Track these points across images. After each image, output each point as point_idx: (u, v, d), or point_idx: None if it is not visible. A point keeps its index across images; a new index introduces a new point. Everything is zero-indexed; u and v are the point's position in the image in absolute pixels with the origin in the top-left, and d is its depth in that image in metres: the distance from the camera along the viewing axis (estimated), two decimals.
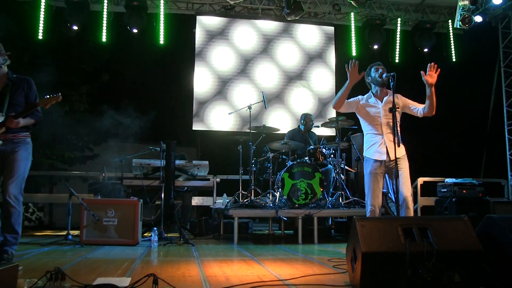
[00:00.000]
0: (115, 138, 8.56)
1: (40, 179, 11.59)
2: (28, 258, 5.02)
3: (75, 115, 11.95)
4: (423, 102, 5.02)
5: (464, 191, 8.16)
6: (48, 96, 4.59)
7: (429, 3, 11.37)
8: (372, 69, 5.20)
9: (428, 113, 4.99)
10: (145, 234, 6.99)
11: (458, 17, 10.26)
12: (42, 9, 9.89)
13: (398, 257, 3.15)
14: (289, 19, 9.75)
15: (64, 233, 6.67)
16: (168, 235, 7.00)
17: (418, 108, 5.08)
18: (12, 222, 4.51)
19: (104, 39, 10.23)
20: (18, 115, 4.52)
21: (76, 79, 12.51)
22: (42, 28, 9.90)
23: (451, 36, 11.46)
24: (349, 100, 5.22)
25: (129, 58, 11.20)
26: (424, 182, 9.50)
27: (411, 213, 4.82)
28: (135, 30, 10.25)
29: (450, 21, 11.31)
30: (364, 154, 5.24)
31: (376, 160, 5.01)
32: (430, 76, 4.78)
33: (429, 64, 4.78)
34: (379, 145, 5.04)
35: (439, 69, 4.77)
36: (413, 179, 9.19)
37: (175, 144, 7.64)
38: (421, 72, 4.80)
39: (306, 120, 8.53)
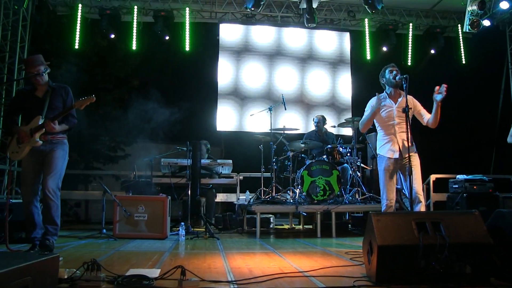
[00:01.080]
0: (145, 139, 8.63)
1: (76, 177, 11.75)
2: (67, 250, 5.09)
3: (108, 118, 12.10)
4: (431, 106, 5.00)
5: (474, 187, 8.06)
6: (82, 98, 4.70)
7: (439, 9, 11.23)
8: (387, 71, 5.18)
9: (431, 124, 5.03)
10: (173, 229, 7.03)
11: (467, 21, 10.12)
12: (79, 22, 10.05)
13: (412, 250, 3.12)
14: (307, 25, 9.70)
15: (99, 227, 6.75)
16: (195, 229, 7.03)
17: (424, 116, 5.11)
18: (52, 214, 4.67)
19: (134, 47, 10.34)
20: (55, 117, 4.64)
21: (109, 85, 12.67)
22: (78, 39, 10.05)
23: (461, 40, 11.30)
24: (371, 116, 5.26)
25: (157, 65, 11.31)
26: (437, 178, 9.37)
27: (423, 208, 4.79)
28: (167, 37, 10.34)
29: (459, 25, 11.14)
30: (377, 152, 5.22)
31: (389, 158, 5.00)
32: (439, 93, 4.81)
33: (443, 85, 4.77)
34: (392, 143, 5.03)
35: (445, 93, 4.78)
36: (426, 176, 9.12)
37: (200, 144, 7.67)
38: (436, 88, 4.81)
39: (318, 119, 8.52)
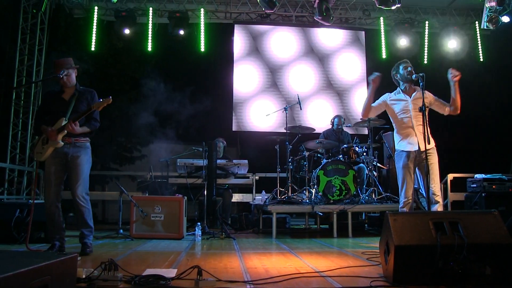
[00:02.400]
0: (161, 139, 8.68)
1: (93, 178, 11.86)
2: None
3: (124, 119, 12.20)
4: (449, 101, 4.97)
5: (493, 186, 7.93)
6: (100, 100, 4.79)
7: (455, 6, 11.11)
8: (401, 67, 5.16)
9: (453, 111, 5.01)
10: (190, 229, 7.06)
11: (485, 18, 9.99)
12: (95, 24, 10.14)
13: (430, 250, 3.09)
14: (320, 24, 9.65)
15: (116, 227, 6.80)
16: (211, 229, 7.05)
17: (445, 105, 5.05)
18: (85, 218, 4.85)
19: (149, 48, 10.39)
20: (76, 117, 4.71)
21: (125, 86, 12.78)
22: (94, 41, 10.14)
23: (478, 37, 11.15)
24: (375, 104, 5.25)
25: (172, 65, 11.35)
26: (454, 177, 9.25)
27: (440, 208, 4.76)
28: (181, 32, 10.30)
29: (477, 22, 11.01)
30: (396, 148, 5.19)
31: (408, 152, 4.97)
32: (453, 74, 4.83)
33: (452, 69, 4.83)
34: (410, 136, 5.00)
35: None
36: (444, 175, 9.02)
37: (216, 144, 7.68)
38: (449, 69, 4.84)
39: (337, 121, 8.50)
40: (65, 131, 4.70)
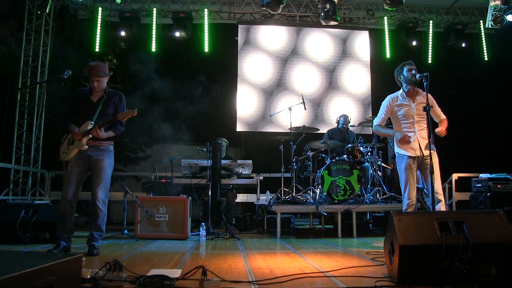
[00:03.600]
0: (166, 140, 8.69)
1: None
2: None
3: (128, 119, 12.21)
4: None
5: (498, 186, 7.91)
6: (126, 110, 4.87)
7: (460, 5, 11.08)
8: (405, 68, 5.15)
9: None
10: (194, 229, 7.06)
11: (490, 17, 9.93)
12: (99, 25, 10.16)
13: (435, 250, 3.08)
14: (324, 24, 9.64)
15: (121, 228, 6.82)
16: (215, 230, 7.05)
17: (440, 116, 5.21)
18: (99, 222, 4.88)
19: (153, 49, 10.42)
20: (102, 124, 4.79)
21: (129, 86, 12.78)
22: (98, 41, 10.17)
23: (483, 36, 11.11)
24: (383, 121, 5.30)
25: (177, 66, 11.35)
26: (459, 177, 9.22)
27: (443, 207, 4.77)
28: (185, 32, 10.29)
29: (481, 21, 10.98)
30: (396, 151, 5.18)
31: (409, 156, 4.97)
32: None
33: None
34: (413, 141, 4.99)
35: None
36: (448, 175, 8.99)
37: (220, 145, 7.68)
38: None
39: (343, 120, 8.49)
40: (90, 135, 4.76)
